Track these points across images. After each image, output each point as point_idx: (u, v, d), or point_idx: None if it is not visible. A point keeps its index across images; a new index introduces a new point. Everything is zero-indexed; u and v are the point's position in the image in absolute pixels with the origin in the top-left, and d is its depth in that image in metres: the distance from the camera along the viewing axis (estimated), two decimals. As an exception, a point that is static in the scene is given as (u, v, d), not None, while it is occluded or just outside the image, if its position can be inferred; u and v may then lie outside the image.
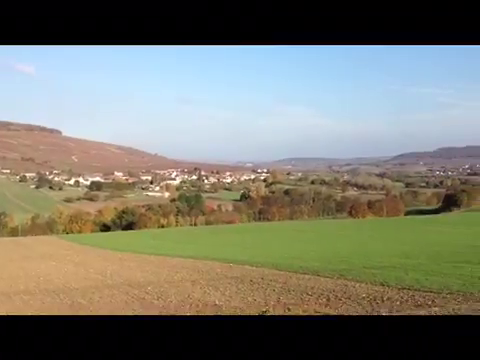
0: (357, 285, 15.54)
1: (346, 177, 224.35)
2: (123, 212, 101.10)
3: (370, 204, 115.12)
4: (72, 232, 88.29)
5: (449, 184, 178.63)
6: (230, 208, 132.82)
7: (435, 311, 11.36)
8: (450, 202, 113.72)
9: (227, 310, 12.70)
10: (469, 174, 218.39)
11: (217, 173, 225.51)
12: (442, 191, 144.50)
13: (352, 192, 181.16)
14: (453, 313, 10.92)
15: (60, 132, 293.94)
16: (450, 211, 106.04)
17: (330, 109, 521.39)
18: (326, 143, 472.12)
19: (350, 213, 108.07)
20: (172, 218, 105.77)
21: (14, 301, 17.45)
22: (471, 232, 44.70)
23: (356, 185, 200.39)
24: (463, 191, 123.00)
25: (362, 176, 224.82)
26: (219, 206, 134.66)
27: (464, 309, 11.45)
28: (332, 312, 11.58)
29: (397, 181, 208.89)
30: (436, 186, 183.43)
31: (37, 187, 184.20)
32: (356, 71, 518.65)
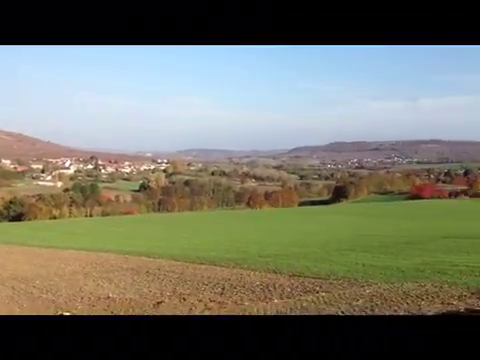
0: (252, 273, 15.99)
1: (245, 169, 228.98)
2: (11, 202, 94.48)
3: (267, 195, 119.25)
4: None
5: (339, 177, 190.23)
6: (128, 199, 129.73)
7: (322, 296, 12.06)
8: (339, 193, 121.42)
9: (121, 302, 12.41)
10: (357, 167, 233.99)
11: (115, 163, 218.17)
12: (332, 183, 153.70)
13: (250, 183, 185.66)
14: (337, 297, 11.66)
15: None
16: (339, 202, 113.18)
17: (230, 102, 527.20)
18: (226, 135, 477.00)
19: (248, 204, 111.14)
20: (65, 209, 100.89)
21: None
22: (356, 222, 48.16)
23: (254, 177, 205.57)
24: (351, 183, 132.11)
25: (260, 168, 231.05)
26: (117, 197, 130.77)
27: (348, 294, 12.30)
28: (226, 301, 11.80)
29: (292, 173, 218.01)
30: (327, 178, 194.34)
31: None
32: (255, 66, 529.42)
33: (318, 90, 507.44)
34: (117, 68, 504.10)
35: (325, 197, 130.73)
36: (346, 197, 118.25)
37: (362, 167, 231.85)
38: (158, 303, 11.88)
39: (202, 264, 18.86)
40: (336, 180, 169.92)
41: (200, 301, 11.96)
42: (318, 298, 11.46)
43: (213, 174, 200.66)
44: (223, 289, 13.49)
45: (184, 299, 12.25)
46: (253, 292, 12.81)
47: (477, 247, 21.04)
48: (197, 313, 10.42)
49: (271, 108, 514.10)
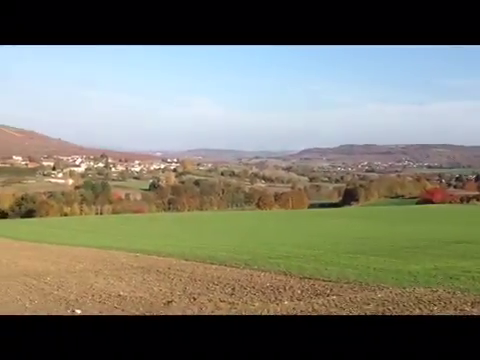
0: (262, 275, 15.92)
1: (254, 169, 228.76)
2: (22, 199, 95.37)
3: (277, 196, 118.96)
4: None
5: (349, 179, 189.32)
6: (139, 197, 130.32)
7: (333, 299, 11.98)
8: (350, 196, 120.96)
9: (131, 301, 12.43)
10: (367, 171, 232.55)
11: (125, 161, 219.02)
12: (343, 186, 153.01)
13: (260, 184, 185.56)
14: (348, 301, 11.59)
15: None
16: (349, 205, 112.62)
17: (237, 103, 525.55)
18: (235, 136, 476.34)
19: (258, 205, 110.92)
20: (76, 206, 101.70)
21: None
22: (367, 225, 47.85)
23: (264, 178, 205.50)
24: (362, 186, 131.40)
25: (269, 169, 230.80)
26: (127, 195, 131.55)
27: (359, 298, 12.22)
28: (237, 301, 11.78)
29: (302, 175, 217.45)
30: (337, 181, 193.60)
31: None
32: (261, 66, 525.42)
33: (327, 92, 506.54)
34: (119, 67, 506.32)
35: (335, 200, 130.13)
36: (357, 200, 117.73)
37: (372, 170, 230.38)
38: (168, 302, 11.88)
39: (212, 264, 18.81)
40: (346, 183, 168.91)
41: (210, 301, 11.93)
42: (329, 301, 11.40)
43: (222, 174, 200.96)
44: (233, 289, 13.45)
45: (194, 299, 12.24)
46: (263, 293, 12.76)
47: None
48: (207, 313, 10.41)
49: (279, 109, 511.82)
